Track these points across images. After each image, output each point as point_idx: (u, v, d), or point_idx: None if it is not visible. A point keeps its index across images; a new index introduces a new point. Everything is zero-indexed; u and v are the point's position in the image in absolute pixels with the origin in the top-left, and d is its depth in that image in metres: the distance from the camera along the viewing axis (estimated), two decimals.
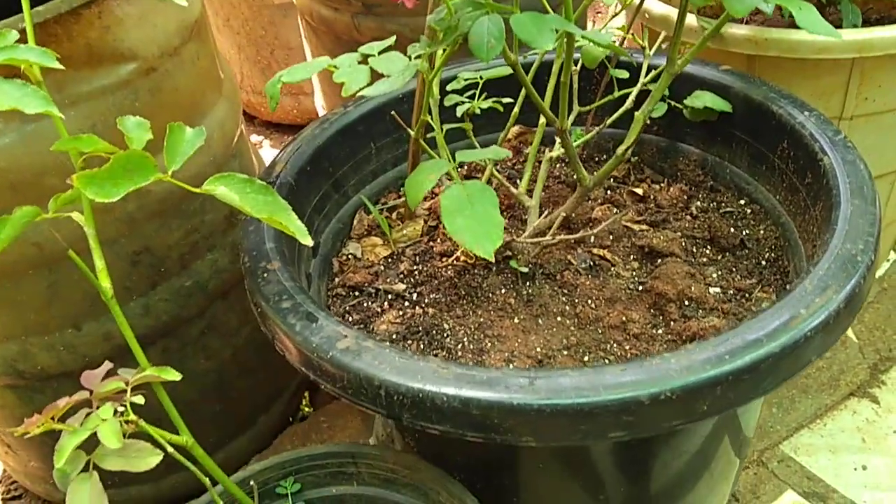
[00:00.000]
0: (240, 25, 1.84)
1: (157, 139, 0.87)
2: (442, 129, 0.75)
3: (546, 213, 0.80)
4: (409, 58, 0.60)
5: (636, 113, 0.70)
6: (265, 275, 0.68)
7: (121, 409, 0.56)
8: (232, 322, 1.02)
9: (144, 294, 0.91)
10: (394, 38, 0.66)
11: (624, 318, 0.73)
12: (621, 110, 0.82)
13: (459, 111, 0.78)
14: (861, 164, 0.70)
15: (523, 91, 0.77)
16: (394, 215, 0.91)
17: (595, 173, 0.75)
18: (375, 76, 0.63)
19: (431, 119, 0.71)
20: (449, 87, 0.82)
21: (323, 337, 0.61)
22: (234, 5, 1.81)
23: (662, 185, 0.91)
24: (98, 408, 0.56)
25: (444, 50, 0.60)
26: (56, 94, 0.75)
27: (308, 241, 0.57)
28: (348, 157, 0.89)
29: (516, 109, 0.81)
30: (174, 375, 0.57)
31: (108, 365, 0.63)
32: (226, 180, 0.60)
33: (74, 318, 0.87)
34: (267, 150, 1.95)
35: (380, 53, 0.63)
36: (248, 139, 1.10)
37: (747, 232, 0.82)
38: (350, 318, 0.78)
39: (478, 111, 0.78)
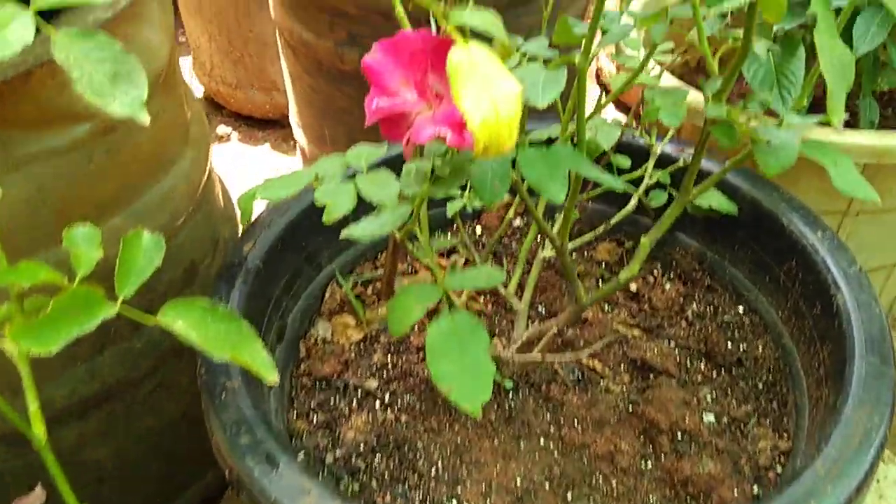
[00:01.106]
0: (213, 14, 1.73)
1: (112, 200, 0.79)
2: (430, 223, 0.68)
3: (535, 318, 0.74)
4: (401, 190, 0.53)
5: (643, 239, 0.64)
6: (223, 395, 0.61)
7: None
8: (184, 380, 0.96)
9: (90, 359, 0.84)
10: (385, 147, 0.59)
11: (612, 447, 0.68)
12: (623, 213, 0.76)
13: (451, 210, 0.71)
14: (877, 309, 0.65)
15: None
16: (369, 290, 0.85)
17: (591, 293, 0.69)
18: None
19: (419, 225, 0.64)
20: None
21: (283, 489, 0.54)
22: None
23: (657, 276, 0.85)
24: None
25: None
26: None
27: (273, 380, 0.50)
28: (322, 228, 0.82)
29: (511, 212, 0.75)
30: None
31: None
32: (184, 310, 0.53)
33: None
34: (234, 144, 1.86)
35: (368, 169, 0.56)
36: (216, 181, 1.02)
37: (745, 347, 0.77)
38: (315, 419, 0.72)
39: (469, 210, 0.71)
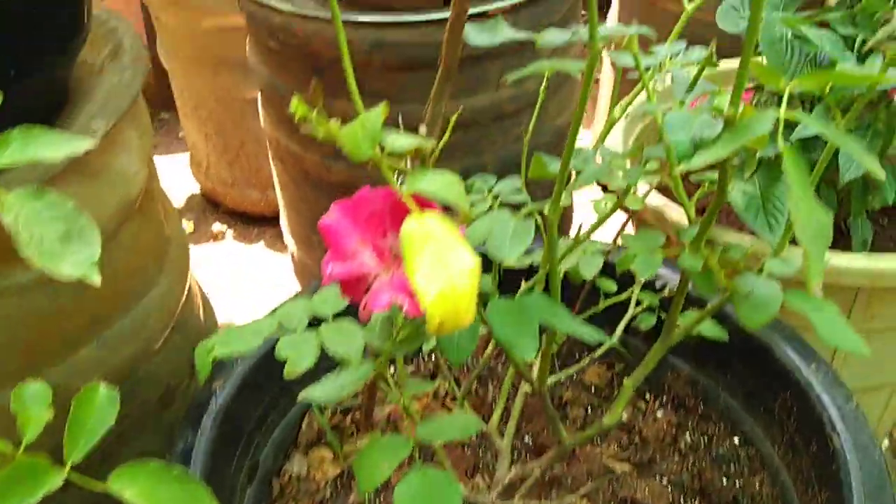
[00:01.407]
0: (207, 115, 1.74)
1: (82, 332, 0.77)
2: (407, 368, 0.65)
3: (520, 447, 0.71)
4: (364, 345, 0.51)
5: (626, 381, 0.61)
6: None
7: None
8: None
9: (54, 500, 0.80)
10: (347, 302, 0.57)
11: None
12: (609, 343, 0.73)
13: (427, 347, 0.69)
14: (876, 453, 0.62)
15: None
16: (348, 420, 0.82)
17: (577, 434, 0.65)
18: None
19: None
20: None
21: None
22: (202, 96, 1.71)
23: (649, 402, 0.82)
24: None
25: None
26: None
27: None
28: None
29: (490, 350, 0.72)
30: None
31: None
32: (136, 475, 0.50)
33: None
34: (229, 242, 1.85)
35: (334, 317, 0.54)
36: (196, 296, 1.00)
37: (741, 483, 0.73)
38: None
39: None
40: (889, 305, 0.83)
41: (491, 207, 0.58)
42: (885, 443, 1.20)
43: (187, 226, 1.89)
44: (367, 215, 0.44)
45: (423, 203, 0.42)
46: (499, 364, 0.87)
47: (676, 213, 0.87)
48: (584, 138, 1.94)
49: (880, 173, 0.43)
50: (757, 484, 0.73)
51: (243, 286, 1.71)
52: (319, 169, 1.12)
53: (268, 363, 0.75)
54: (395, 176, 0.43)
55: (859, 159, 0.42)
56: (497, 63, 1.02)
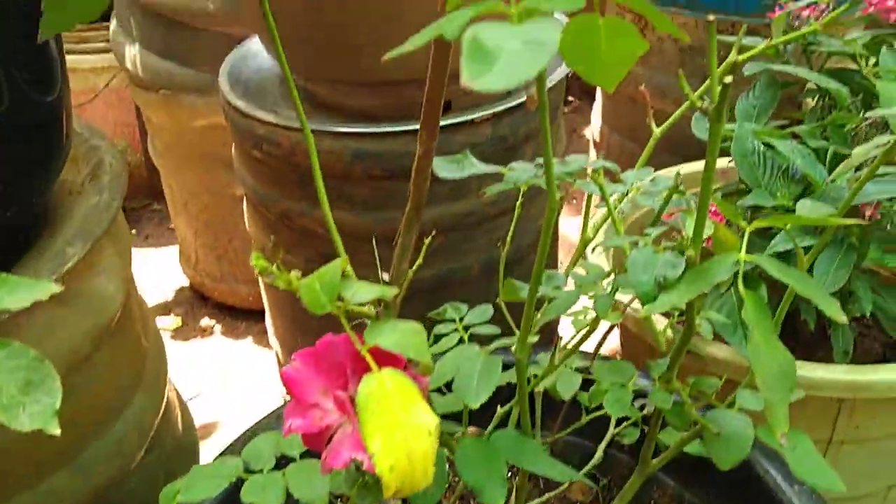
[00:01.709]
0: (198, 211, 1.76)
1: (56, 456, 0.76)
2: None
3: None
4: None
5: None
6: None
7: None
8: None
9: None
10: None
11: None
12: (591, 465, 0.72)
13: None
14: None
15: None
16: None
17: None
18: None
19: None
20: None
21: None
22: (192, 192, 1.73)
23: None
24: None
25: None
26: None
27: None
28: None
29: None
30: None
31: None
32: None
33: None
34: (217, 338, 1.84)
35: (301, 455, 0.53)
36: (174, 408, 0.98)
37: None
38: None
39: None
40: (873, 415, 0.83)
41: (462, 340, 0.58)
42: None
43: (176, 321, 1.88)
44: (328, 366, 0.44)
45: (386, 356, 0.41)
46: None
47: (658, 323, 0.87)
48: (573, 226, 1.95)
49: (839, 317, 0.42)
50: None
51: (231, 382, 1.70)
52: (301, 272, 1.11)
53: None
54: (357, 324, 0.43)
55: (817, 302, 0.42)
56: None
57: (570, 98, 2.65)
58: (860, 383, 0.77)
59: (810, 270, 0.74)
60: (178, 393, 1.04)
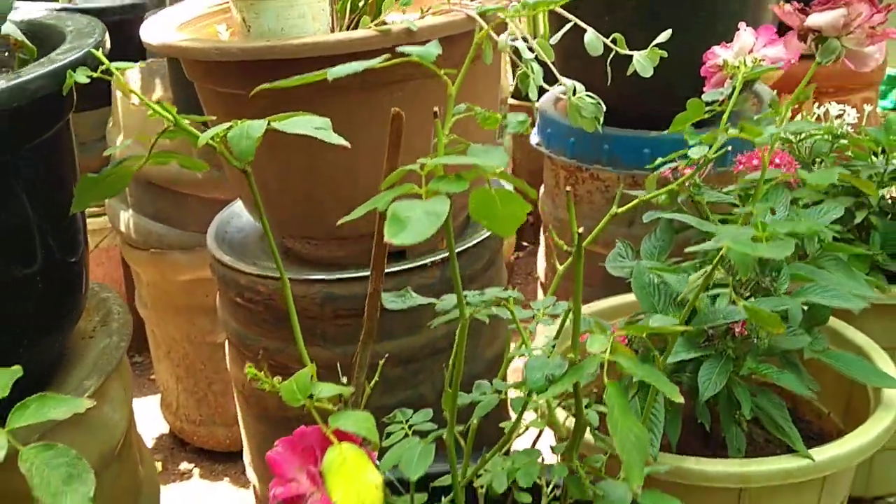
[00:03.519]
0: (180, 359, 1.90)
1: None
2: None
3: None
4: None
5: None
6: None
7: None
8: None
9: None
10: None
11: None
12: None
13: None
14: None
15: None
16: None
17: None
18: None
19: None
20: None
21: None
22: (175, 341, 1.88)
23: None
24: None
25: None
26: None
27: None
28: None
29: None
30: None
31: None
32: None
33: None
34: (196, 481, 1.93)
35: None
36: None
37: None
38: None
39: None
40: (774, 501, 0.97)
41: (406, 435, 0.73)
42: None
43: (157, 466, 1.97)
44: (302, 448, 0.59)
45: (345, 436, 0.56)
46: None
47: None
48: None
49: (677, 397, 0.59)
50: None
51: None
52: (280, 407, 1.26)
53: None
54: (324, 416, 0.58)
55: (659, 386, 0.58)
56: (431, 307, 1.20)
57: (525, 243, 2.87)
58: (751, 473, 0.92)
59: (696, 377, 0.90)
60: None
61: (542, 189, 1.80)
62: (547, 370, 0.63)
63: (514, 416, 0.85)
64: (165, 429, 2.08)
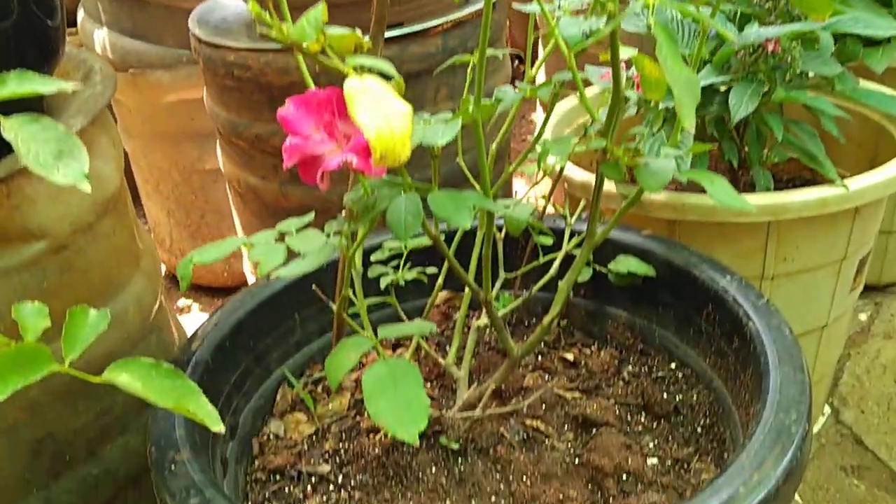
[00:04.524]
0: (169, 191, 1.83)
1: (62, 320, 0.82)
2: (365, 301, 0.72)
3: (476, 383, 0.77)
4: (328, 235, 0.59)
5: (560, 283, 0.69)
6: (173, 466, 0.63)
7: None
8: None
9: (46, 486, 0.83)
10: (312, 214, 0.65)
11: (561, 496, 0.69)
12: (546, 278, 0.82)
13: (384, 283, 0.77)
14: (786, 330, 0.70)
15: None
16: (319, 388, 0.87)
17: (523, 343, 0.73)
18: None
19: (354, 293, 0.69)
20: (373, 258, 0.81)
21: None
22: (164, 171, 1.81)
23: (593, 348, 0.89)
24: None
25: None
26: None
27: (219, 428, 0.53)
28: (271, 329, 0.86)
29: (441, 280, 0.80)
30: None
31: None
32: (129, 366, 0.56)
33: None
34: (195, 315, 1.90)
35: (298, 231, 0.62)
36: (169, 309, 1.06)
37: (680, 397, 0.80)
38: None
39: (402, 283, 0.76)
40: (795, 244, 0.93)
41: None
42: (827, 410, 1.27)
43: None
44: (316, 105, 0.53)
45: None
46: (451, 310, 0.93)
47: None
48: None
49: (690, 119, 0.52)
50: (695, 395, 0.80)
51: None
52: (277, 197, 1.20)
53: (241, 332, 0.82)
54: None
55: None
56: (434, 82, 1.14)
57: None
58: (787, 204, 0.88)
59: (727, 100, 0.85)
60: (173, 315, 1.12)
61: None
62: (583, 27, 0.57)
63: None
64: (161, 269, 2.04)
